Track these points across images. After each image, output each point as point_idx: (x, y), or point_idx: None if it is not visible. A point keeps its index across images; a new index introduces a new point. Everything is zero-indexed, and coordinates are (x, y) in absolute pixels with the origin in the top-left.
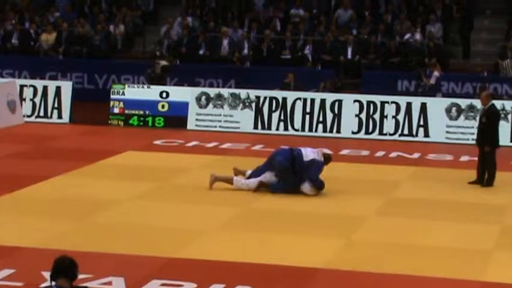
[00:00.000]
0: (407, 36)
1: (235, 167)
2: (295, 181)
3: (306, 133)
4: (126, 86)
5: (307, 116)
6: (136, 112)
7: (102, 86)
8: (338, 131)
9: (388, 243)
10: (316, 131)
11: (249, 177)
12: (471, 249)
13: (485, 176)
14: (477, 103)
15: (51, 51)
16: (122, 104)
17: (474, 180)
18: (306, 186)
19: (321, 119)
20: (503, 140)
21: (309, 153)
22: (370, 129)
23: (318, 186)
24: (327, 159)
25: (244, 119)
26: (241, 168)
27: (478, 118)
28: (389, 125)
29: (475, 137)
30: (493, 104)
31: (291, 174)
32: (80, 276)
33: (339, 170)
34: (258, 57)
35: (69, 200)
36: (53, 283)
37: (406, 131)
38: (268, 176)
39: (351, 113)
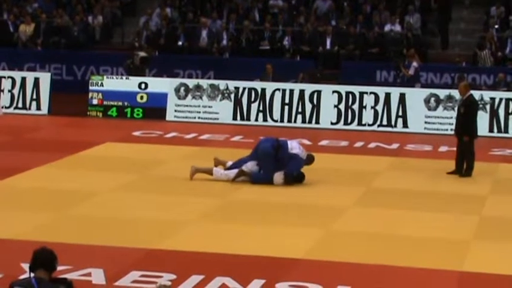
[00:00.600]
0: (387, 27)
1: (216, 157)
2: (275, 170)
3: (285, 124)
4: (105, 77)
5: (286, 107)
6: (115, 103)
7: (80, 77)
8: (317, 122)
9: (367, 233)
10: (295, 121)
11: (230, 168)
12: (450, 239)
13: (463, 166)
14: (456, 93)
15: (30, 43)
16: (100, 95)
17: (453, 170)
18: (278, 177)
19: (300, 109)
20: (482, 130)
21: (294, 146)
22: (349, 120)
23: (289, 181)
24: (310, 159)
25: (223, 110)
26: (222, 159)
27: (456, 108)
28: (368, 116)
29: (453, 127)
30: (471, 94)
31: (273, 161)
32: (59, 268)
33: (318, 160)
34: (237, 48)
35: (48, 191)
36: (32, 274)
37: (385, 122)
38: (250, 165)
39: (329, 104)
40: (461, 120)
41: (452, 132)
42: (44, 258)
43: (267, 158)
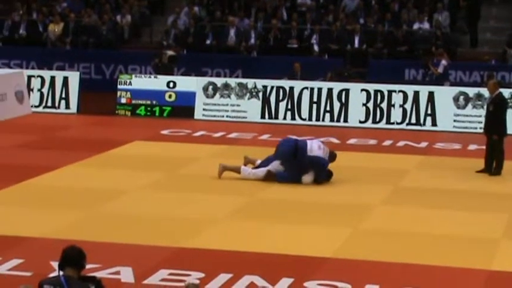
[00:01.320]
0: (416, 25)
1: (246, 155)
2: (299, 171)
3: (313, 122)
4: (133, 76)
5: (314, 105)
6: (144, 102)
7: (109, 76)
8: (345, 120)
9: (395, 232)
10: (323, 120)
11: (258, 167)
12: (479, 238)
13: (493, 165)
14: (485, 92)
15: (59, 42)
16: (129, 94)
17: (482, 169)
18: (307, 178)
19: (328, 108)
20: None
21: (314, 148)
22: (378, 118)
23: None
24: (332, 157)
25: (251, 109)
26: (252, 157)
27: (485, 107)
28: (396, 114)
29: (482, 125)
30: (500, 93)
31: (294, 163)
32: (88, 266)
33: (347, 159)
34: (264, 47)
35: (77, 190)
36: (61, 273)
37: (413, 120)
38: (275, 165)
39: (358, 102)
40: (490, 118)
41: (482, 131)
42: (72, 257)
43: (286, 161)
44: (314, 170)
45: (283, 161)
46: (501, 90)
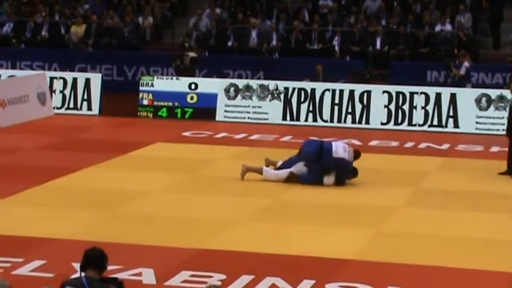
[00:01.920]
0: (438, 27)
1: (267, 157)
2: (322, 173)
3: (335, 124)
4: (155, 77)
5: (336, 107)
6: (165, 104)
7: (131, 77)
8: (367, 122)
9: (418, 234)
10: (345, 122)
11: (280, 168)
12: (502, 240)
13: None
14: (507, 93)
15: (81, 44)
16: (150, 96)
17: (504, 171)
18: (329, 180)
19: (349, 110)
20: None
21: (339, 150)
22: (400, 120)
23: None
24: (357, 155)
25: (272, 110)
26: (273, 159)
27: (508, 108)
28: (418, 116)
29: (505, 127)
30: None
31: (317, 165)
32: (110, 267)
33: (368, 161)
34: (286, 49)
35: (99, 191)
36: (83, 274)
37: (435, 122)
38: (298, 167)
39: (379, 104)
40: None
41: (504, 133)
42: (94, 258)
43: (312, 162)
44: (337, 171)
45: (307, 162)
46: None
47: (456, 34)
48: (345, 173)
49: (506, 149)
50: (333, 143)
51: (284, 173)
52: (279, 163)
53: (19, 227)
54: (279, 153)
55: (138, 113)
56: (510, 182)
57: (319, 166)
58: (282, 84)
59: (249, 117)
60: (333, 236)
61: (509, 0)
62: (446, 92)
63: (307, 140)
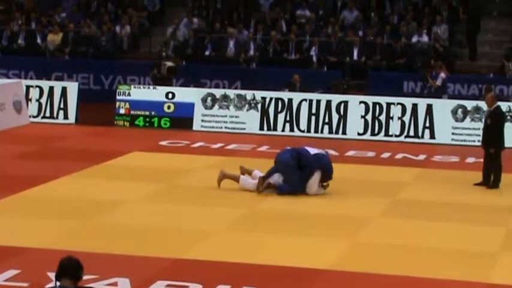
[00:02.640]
0: (415, 38)
1: (242, 165)
2: (301, 179)
3: (312, 134)
4: (132, 86)
5: (313, 117)
6: (142, 113)
7: (108, 86)
8: (344, 133)
9: (393, 244)
10: (322, 132)
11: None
12: (477, 251)
13: (490, 178)
14: (483, 105)
15: (58, 52)
16: (127, 105)
17: (480, 182)
18: (314, 180)
19: (326, 120)
20: (509, 141)
21: (314, 149)
22: (376, 131)
23: (329, 174)
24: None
25: (250, 120)
26: (248, 167)
27: (483, 120)
28: (395, 127)
29: (480, 138)
30: (498, 106)
31: (296, 171)
32: (86, 277)
33: (345, 171)
34: (264, 58)
35: (75, 200)
36: (58, 284)
37: (412, 133)
38: (276, 177)
39: (356, 115)
40: (488, 131)
41: (479, 144)
42: (69, 267)
43: (290, 168)
44: (322, 168)
45: (284, 171)
46: (499, 103)
47: (433, 45)
48: (328, 167)
49: (482, 160)
50: (306, 147)
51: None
52: (255, 171)
53: None
54: (256, 162)
55: (115, 122)
56: (485, 193)
57: (300, 173)
58: (259, 94)
59: (226, 127)
60: (308, 246)
61: (485, 12)
62: (422, 103)
63: (280, 152)
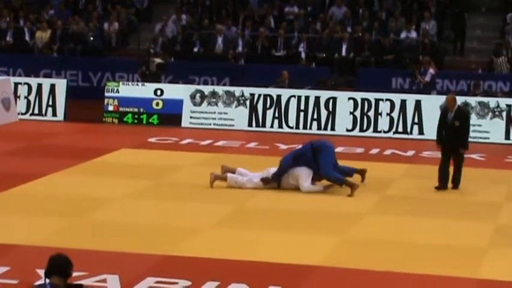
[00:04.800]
0: (403, 34)
1: (224, 164)
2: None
3: (301, 130)
4: (121, 83)
5: (302, 114)
6: (131, 110)
7: (96, 83)
8: (332, 129)
9: (382, 240)
10: (310, 128)
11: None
12: (466, 246)
13: (448, 180)
14: (471, 100)
15: (46, 49)
16: (116, 102)
17: (439, 185)
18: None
19: (315, 116)
20: (498, 137)
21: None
22: (365, 127)
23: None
24: None
25: (238, 117)
26: (230, 166)
27: (447, 121)
28: (383, 123)
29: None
30: (459, 106)
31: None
32: (75, 274)
33: None
34: (252, 55)
35: (64, 198)
36: (47, 281)
37: (400, 129)
38: (272, 171)
39: (345, 111)
40: (457, 133)
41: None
42: (59, 265)
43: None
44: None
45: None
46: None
47: (421, 41)
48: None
49: (472, 156)
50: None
51: (257, 177)
52: (239, 169)
53: None
54: (245, 159)
55: (104, 119)
56: (473, 189)
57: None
58: (247, 91)
59: (214, 124)
60: (298, 242)
61: (473, 8)
62: (411, 99)
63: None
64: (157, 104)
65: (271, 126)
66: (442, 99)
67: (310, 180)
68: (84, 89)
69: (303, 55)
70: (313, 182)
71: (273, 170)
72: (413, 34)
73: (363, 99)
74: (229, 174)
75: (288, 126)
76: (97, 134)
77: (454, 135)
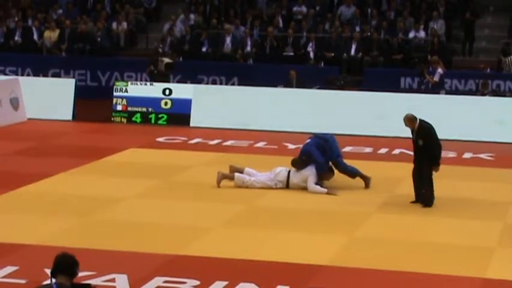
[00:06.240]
0: (412, 33)
1: (232, 164)
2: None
3: (309, 130)
4: (129, 83)
5: (310, 113)
6: (139, 109)
7: (105, 83)
8: (341, 128)
9: (390, 240)
10: (319, 128)
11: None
12: (473, 246)
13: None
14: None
15: (54, 49)
16: (124, 101)
17: (414, 200)
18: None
19: (324, 116)
20: (507, 136)
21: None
22: (373, 127)
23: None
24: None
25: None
26: (238, 166)
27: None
28: (391, 122)
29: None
30: (420, 123)
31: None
32: (83, 274)
33: None
34: (260, 55)
35: (72, 197)
36: (53, 280)
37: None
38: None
39: (353, 110)
40: (424, 151)
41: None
42: (64, 264)
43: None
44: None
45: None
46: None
47: (430, 41)
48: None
49: (480, 156)
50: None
51: (259, 181)
52: (247, 169)
53: None
54: (254, 159)
55: (112, 119)
56: (482, 188)
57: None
58: (255, 91)
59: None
60: (307, 241)
61: (481, 7)
62: (419, 99)
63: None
64: (165, 104)
65: (280, 126)
66: (450, 98)
67: (316, 181)
68: (92, 89)
69: (311, 55)
70: (321, 182)
71: (280, 169)
72: (422, 34)
73: (371, 99)
74: (236, 174)
75: (297, 126)
76: (105, 133)
77: (422, 154)
